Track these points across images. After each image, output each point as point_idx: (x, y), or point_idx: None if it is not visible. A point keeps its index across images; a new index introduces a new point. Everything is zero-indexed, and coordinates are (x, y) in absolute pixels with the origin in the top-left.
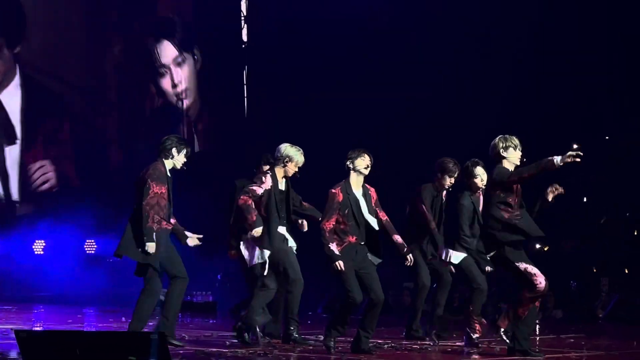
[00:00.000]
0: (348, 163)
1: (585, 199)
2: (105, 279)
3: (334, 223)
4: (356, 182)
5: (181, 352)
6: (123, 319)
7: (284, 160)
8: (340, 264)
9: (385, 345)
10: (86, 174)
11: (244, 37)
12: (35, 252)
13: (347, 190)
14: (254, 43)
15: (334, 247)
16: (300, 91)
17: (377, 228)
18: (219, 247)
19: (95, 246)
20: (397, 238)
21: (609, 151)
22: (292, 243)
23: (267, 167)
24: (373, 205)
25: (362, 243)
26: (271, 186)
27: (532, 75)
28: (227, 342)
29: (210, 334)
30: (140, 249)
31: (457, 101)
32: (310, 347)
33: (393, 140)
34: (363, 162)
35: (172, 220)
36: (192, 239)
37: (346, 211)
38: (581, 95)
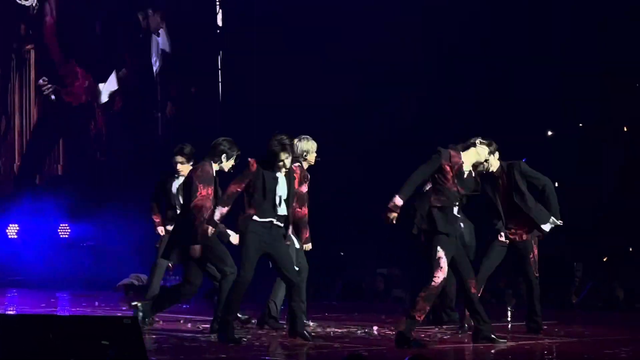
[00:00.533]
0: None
1: (556, 184)
2: (78, 263)
3: None
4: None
5: (154, 336)
6: (96, 303)
7: (303, 155)
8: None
9: (359, 332)
10: (61, 159)
11: (219, 22)
12: (9, 237)
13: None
14: (229, 28)
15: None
16: (275, 77)
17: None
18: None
19: (69, 230)
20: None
21: (582, 137)
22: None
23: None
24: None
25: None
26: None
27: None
28: (201, 327)
29: (184, 319)
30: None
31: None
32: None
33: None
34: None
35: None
36: (234, 237)
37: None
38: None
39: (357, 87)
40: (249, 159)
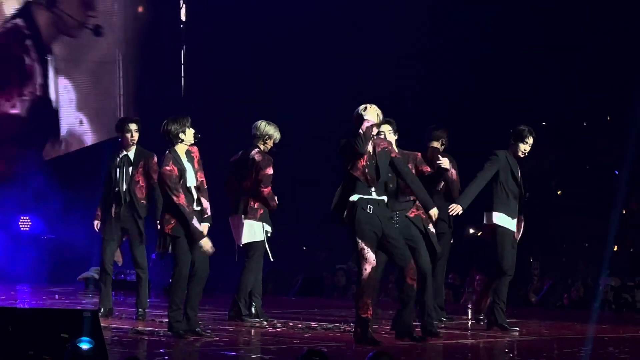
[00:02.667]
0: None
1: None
2: (39, 256)
3: (183, 196)
4: (182, 152)
5: (114, 330)
6: (56, 296)
7: (264, 137)
8: (205, 243)
9: (318, 327)
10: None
11: (182, 17)
12: None
13: (178, 161)
14: (192, 23)
15: (196, 223)
16: (238, 72)
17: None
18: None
19: (29, 223)
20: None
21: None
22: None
23: None
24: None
25: (198, 208)
26: None
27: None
28: (158, 321)
29: (144, 313)
30: None
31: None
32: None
33: (323, 119)
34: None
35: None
36: None
37: (181, 182)
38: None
39: (314, 78)
40: None
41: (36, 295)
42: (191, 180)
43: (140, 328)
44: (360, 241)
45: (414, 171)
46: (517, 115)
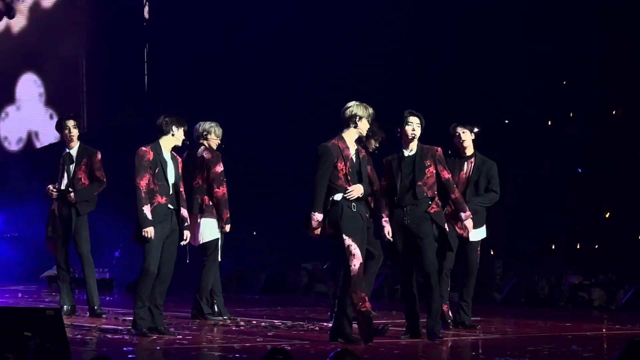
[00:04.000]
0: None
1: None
2: (2, 254)
3: (146, 182)
4: (167, 146)
5: (77, 328)
6: (19, 294)
7: (203, 134)
8: (150, 232)
9: (282, 325)
10: None
11: (146, 15)
12: None
13: (158, 150)
14: (155, 20)
15: (147, 210)
16: (201, 69)
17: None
18: (118, 224)
19: None
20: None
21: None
22: None
23: None
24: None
25: (172, 207)
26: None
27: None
28: (122, 320)
29: (107, 312)
30: None
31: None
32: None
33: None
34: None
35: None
36: None
37: (156, 170)
38: (480, 77)
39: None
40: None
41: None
42: (171, 176)
43: (103, 326)
44: (347, 238)
45: (433, 169)
46: (482, 114)
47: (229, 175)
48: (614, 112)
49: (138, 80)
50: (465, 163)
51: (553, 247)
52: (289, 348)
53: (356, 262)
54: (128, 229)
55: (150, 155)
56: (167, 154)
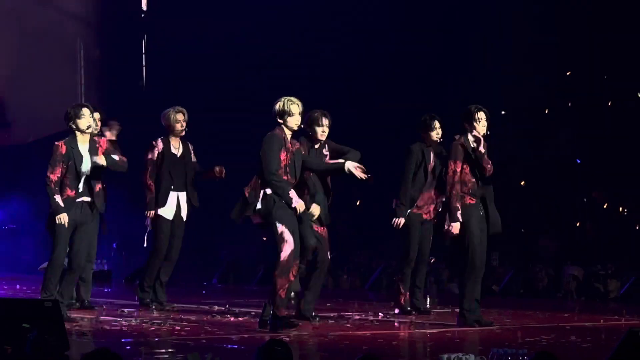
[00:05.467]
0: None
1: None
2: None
3: (58, 175)
4: (82, 139)
5: (76, 319)
6: (17, 286)
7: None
8: (63, 218)
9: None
10: None
11: (144, 6)
12: None
13: (72, 144)
14: (154, 12)
15: (58, 199)
16: (199, 63)
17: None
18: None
19: None
20: None
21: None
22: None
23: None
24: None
25: (87, 199)
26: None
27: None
28: (120, 311)
29: (106, 303)
30: None
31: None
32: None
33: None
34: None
35: None
36: None
37: (69, 163)
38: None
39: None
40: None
41: None
42: (84, 166)
43: (101, 318)
44: (280, 224)
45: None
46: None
47: (225, 165)
48: (609, 103)
49: (136, 72)
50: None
51: (549, 236)
52: (287, 339)
53: (287, 248)
54: (127, 220)
55: (63, 150)
56: (81, 145)
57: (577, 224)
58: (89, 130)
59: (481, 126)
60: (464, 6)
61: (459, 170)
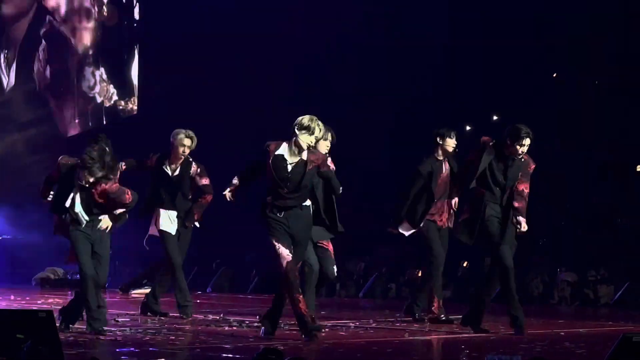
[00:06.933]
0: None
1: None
2: None
3: None
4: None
5: (69, 330)
6: (12, 296)
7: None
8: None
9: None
10: None
11: (136, 16)
12: None
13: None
14: (146, 20)
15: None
16: (192, 70)
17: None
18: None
19: None
20: None
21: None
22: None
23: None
24: None
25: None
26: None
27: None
28: (114, 321)
29: None
30: None
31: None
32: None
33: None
34: None
35: None
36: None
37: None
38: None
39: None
40: None
41: None
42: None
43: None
44: (272, 237)
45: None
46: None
47: (218, 172)
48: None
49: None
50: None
51: (541, 243)
52: (281, 348)
53: (283, 262)
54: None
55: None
56: None
57: (569, 230)
58: None
59: (520, 151)
60: None
61: None
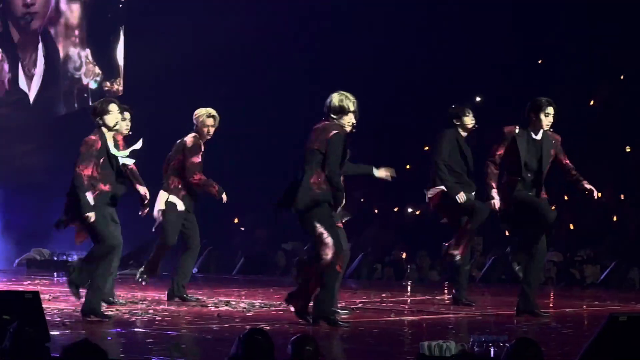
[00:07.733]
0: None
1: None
2: None
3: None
4: (109, 136)
5: (56, 311)
6: None
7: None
8: (92, 217)
9: (260, 305)
10: None
11: None
12: None
13: (102, 139)
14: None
15: (89, 196)
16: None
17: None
18: None
19: None
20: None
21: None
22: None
23: None
24: None
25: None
26: None
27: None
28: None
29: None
30: None
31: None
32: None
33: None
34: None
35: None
36: None
37: (102, 159)
38: None
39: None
40: None
41: None
42: (116, 162)
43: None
44: (318, 224)
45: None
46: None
47: (213, 156)
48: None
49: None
50: None
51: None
52: (267, 329)
53: (330, 252)
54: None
55: (98, 145)
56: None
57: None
58: (116, 128)
59: (547, 122)
60: None
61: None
